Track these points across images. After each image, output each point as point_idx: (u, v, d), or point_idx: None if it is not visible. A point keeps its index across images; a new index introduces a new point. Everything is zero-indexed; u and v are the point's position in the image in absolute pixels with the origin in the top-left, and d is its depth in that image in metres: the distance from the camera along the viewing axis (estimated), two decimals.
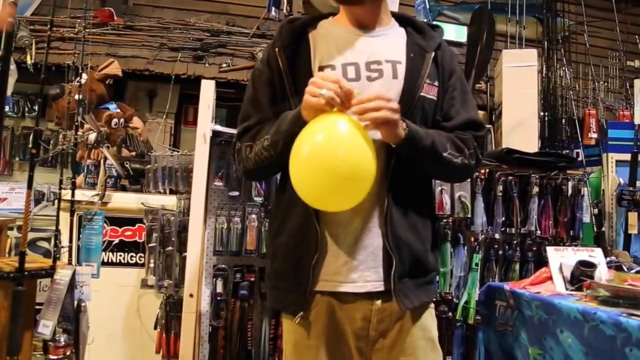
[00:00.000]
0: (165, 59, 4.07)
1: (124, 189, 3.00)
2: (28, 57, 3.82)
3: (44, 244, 3.54)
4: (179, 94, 4.31)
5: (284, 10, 3.27)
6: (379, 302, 1.29)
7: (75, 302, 2.03)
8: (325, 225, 1.29)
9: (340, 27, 1.40)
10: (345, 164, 1.11)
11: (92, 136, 2.42)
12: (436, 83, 1.36)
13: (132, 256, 2.86)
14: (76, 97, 2.47)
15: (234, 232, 2.29)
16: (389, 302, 1.29)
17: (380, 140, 1.25)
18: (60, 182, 2.20)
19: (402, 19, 1.47)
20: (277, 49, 1.35)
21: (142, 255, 2.88)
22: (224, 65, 4.07)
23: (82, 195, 2.64)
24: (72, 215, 2.28)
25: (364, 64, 1.33)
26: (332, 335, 1.31)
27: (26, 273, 2.02)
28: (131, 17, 4.30)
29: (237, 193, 2.28)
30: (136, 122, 3.03)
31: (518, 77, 3.59)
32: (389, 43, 1.38)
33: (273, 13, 3.39)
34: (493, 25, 3.76)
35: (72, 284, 2.05)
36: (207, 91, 2.21)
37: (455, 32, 5.15)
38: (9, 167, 4.20)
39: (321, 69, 1.33)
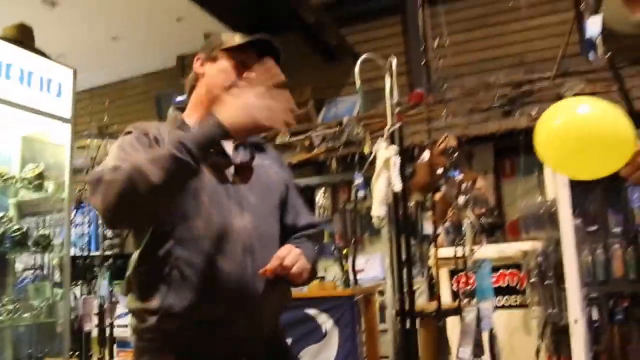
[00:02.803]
0: (477, 121, 5.03)
1: (479, 241, 3.92)
2: (366, 147, 5.18)
3: None
4: (493, 150, 5.22)
5: (599, 54, 3.85)
6: None
7: (485, 332, 2.93)
8: None
9: None
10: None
11: (461, 200, 3.38)
12: None
13: (500, 298, 3.71)
14: (438, 171, 3.53)
15: (600, 263, 2.95)
16: None
17: None
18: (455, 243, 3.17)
19: None
20: None
21: (510, 297, 3.71)
22: (534, 113, 4.82)
23: (451, 252, 3.63)
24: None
25: None
26: None
27: (443, 312, 3.02)
28: (438, 92, 5.42)
29: (595, 227, 2.94)
30: (479, 183, 3.97)
31: None
32: None
33: (591, 58, 4.00)
34: None
35: (478, 318, 2.96)
36: None
37: None
38: (361, 243, 5.59)
39: None
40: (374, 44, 6.04)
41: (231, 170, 1.58)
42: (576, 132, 1.39)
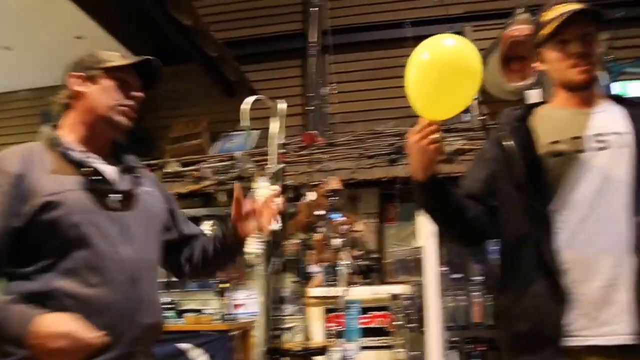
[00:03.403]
0: (364, 166, 5.17)
1: (353, 283, 3.98)
2: (254, 183, 5.15)
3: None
4: (378, 195, 5.37)
5: (475, 114, 4.13)
6: (628, 355, 1.47)
7: None
8: (571, 283, 1.51)
9: (561, 109, 1.72)
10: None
11: (337, 242, 3.43)
12: None
13: (370, 340, 3.76)
14: (316, 212, 3.57)
15: (461, 309, 3.09)
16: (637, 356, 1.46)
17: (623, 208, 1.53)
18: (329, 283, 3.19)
19: (616, 98, 1.78)
20: (503, 134, 1.72)
21: (379, 338, 3.77)
22: None
23: (325, 292, 3.66)
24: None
25: (590, 136, 1.61)
26: None
27: (309, 351, 3.01)
28: (330, 134, 5.54)
29: (459, 275, 3.08)
30: (358, 226, 4.05)
31: None
32: (610, 117, 1.66)
33: (465, 119, 4.28)
34: None
35: (344, 359, 2.98)
36: None
37: None
38: (243, 277, 5.50)
39: (549, 145, 1.63)
40: (274, 84, 6.13)
41: (115, 197, 1.55)
42: (441, 64, 1.51)
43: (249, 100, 3.12)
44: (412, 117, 5.29)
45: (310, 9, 5.83)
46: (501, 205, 1.69)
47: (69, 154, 1.54)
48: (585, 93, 1.70)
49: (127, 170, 1.65)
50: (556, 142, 1.63)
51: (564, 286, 1.51)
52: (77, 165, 1.53)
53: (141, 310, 1.49)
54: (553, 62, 1.69)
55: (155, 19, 5.61)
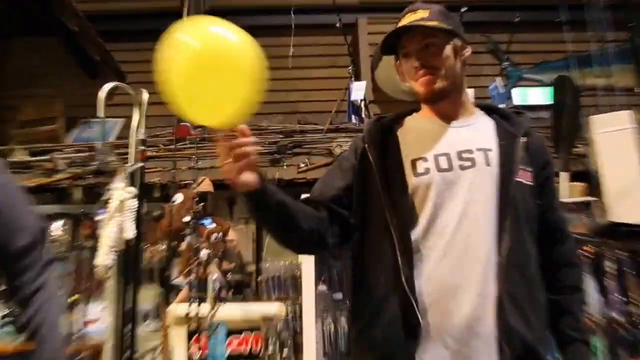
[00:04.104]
0: None
1: (223, 300, 3.50)
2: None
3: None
4: None
5: (364, 117, 3.82)
6: None
7: None
8: (427, 314, 1.39)
9: (426, 120, 1.61)
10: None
11: (203, 253, 2.96)
12: (529, 168, 1.52)
13: None
14: (185, 219, 3.07)
15: (341, 333, 2.73)
16: None
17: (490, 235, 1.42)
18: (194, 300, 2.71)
19: (487, 108, 1.68)
20: (366, 145, 1.58)
21: None
22: (302, 165, 4.63)
23: (189, 310, 3.17)
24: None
25: (455, 154, 1.50)
26: None
27: None
28: (206, 129, 5.00)
29: (341, 295, 2.72)
30: (231, 235, 3.58)
31: (613, 142, 3.66)
32: (478, 131, 1.57)
33: (354, 121, 3.96)
34: (577, 92, 4.08)
35: None
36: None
37: (541, 94, 5.13)
38: (99, 287, 4.83)
39: (413, 162, 1.51)
40: (146, 67, 5.46)
41: None
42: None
43: (106, 88, 2.61)
44: (300, 112, 4.87)
45: None
46: (358, 223, 1.54)
47: None
48: (445, 104, 1.59)
49: None
50: (420, 158, 1.52)
51: (418, 318, 1.38)
52: None
53: None
54: (405, 74, 1.60)
55: None
